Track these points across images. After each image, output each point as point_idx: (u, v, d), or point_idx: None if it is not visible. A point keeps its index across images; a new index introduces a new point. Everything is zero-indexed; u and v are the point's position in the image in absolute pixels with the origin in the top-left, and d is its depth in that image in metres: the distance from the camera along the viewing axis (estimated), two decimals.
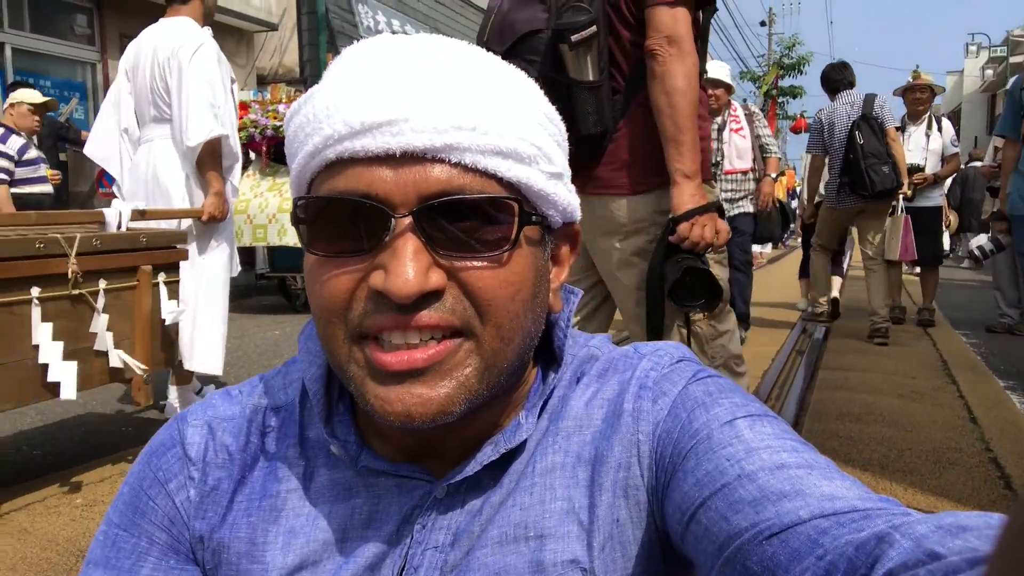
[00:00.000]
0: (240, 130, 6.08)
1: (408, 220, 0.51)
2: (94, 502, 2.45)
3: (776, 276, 10.68)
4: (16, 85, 6.51)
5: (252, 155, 6.47)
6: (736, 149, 5.23)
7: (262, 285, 7.76)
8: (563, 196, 0.58)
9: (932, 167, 5.61)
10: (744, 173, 5.25)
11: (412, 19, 13.37)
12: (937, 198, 5.76)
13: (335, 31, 11.36)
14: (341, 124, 0.51)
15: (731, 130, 5.23)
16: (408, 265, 0.50)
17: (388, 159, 0.50)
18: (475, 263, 0.52)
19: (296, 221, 0.55)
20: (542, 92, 0.59)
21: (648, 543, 0.57)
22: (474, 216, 0.52)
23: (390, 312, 0.51)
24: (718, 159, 5.16)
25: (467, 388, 0.53)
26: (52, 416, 3.60)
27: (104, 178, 7.05)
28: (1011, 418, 3.43)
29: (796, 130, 20.87)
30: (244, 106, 6.41)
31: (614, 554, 0.57)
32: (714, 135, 5.06)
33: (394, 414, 0.52)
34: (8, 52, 8.37)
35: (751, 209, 5.29)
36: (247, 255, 7.03)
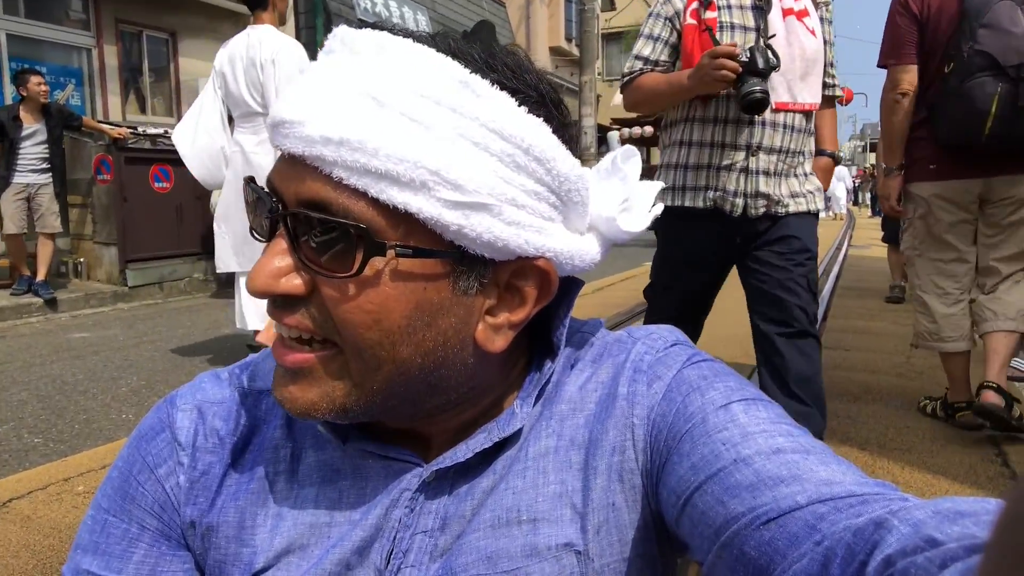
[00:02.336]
0: None
1: (282, 220, 0.52)
2: (95, 489, 2.46)
3: None
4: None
5: None
6: (802, 57, 2.13)
7: None
8: (481, 229, 0.51)
9: None
10: (807, 115, 2.20)
11: (408, 1, 13.26)
12: None
13: (332, 14, 11.27)
14: (269, 117, 0.53)
15: (787, 12, 2.14)
16: (267, 263, 0.51)
17: (286, 158, 0.52)
18: (325, 281, 0.51)
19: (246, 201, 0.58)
20: (521, 110, 0.51)
21: (643, 526, 0.57)
22: (327, 234, 0.50)
23: (270, 304, 0.54)
24: (766, 69, 2.00)
25: (331, 401, 0.54)
26: (51, 403, 3.62)
27: (101, 164, 7.04)
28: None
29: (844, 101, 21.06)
30: None
31: (610, 537, 0.57)
32: (736, 18, 2.14)
33: (275, 397, 0.56)
34: (3, 38, 8.32)
35: (820, 204, 2.28)
36: None
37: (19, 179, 6.23)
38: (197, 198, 7.25)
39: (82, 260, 7.30)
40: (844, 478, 0.47)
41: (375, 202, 0.49)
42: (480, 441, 0.58)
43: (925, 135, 2.77)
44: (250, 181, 0.56)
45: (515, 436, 0.60)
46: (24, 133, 6.24)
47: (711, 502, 0.49)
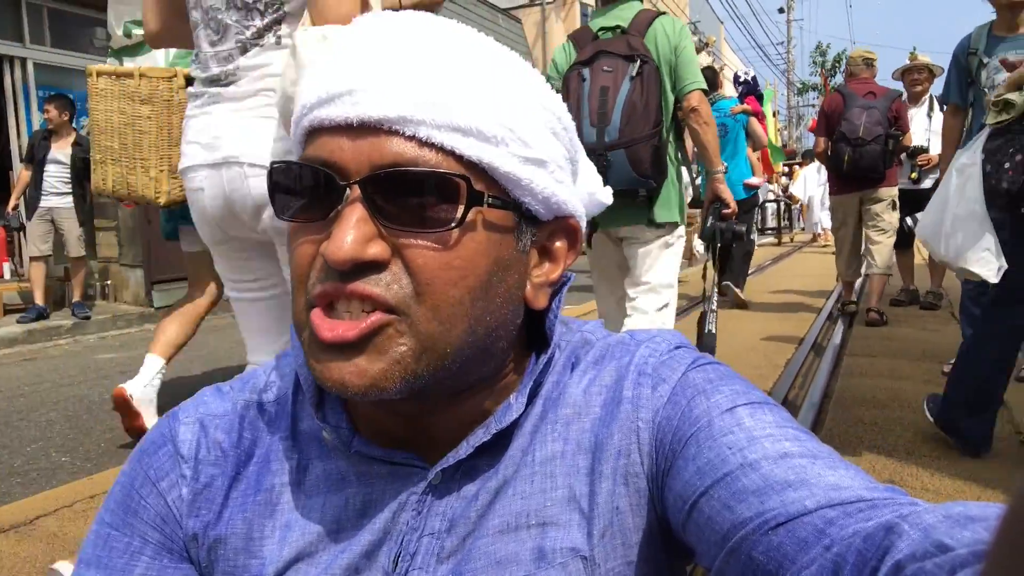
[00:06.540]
0: None
1: (357, 189, 0.51)
2: None
3: (807, 263, 10.58)
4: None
5: None
6: None
7: None
8: (543, 184, 0.55)
9: (935, 148, 5.50)
10: None
11: None
12: None
13: None
14: (312, 94, 0.53)
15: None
16: (348, 232, 0.50)
17: (348, 129, 0.52)
18: (418, 240, 0.51)
19: (268, 187, 0.57)
20: (548, 86, 0.58)
21: (648, 531, 0.57)
22: (423, 191, 0.51)
23: (332, 280, 0.52)
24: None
25: (403, 367, 0.52)
26: (79, 423, 3.66)
27: None
28: None
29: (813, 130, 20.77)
30: None
31: (614, 542, 0.56)
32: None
33: (330, 381, 0.52)
34: (30, 67, 8.51)
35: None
36: None
37: (44, 202, 6.42)
38: None
39: (109, 282, 7.43)
40: (853, 483, 0.47)
41: (460, 159, 0.52)
42: (479, 436, 0.58)
43: None
44: (292, 163, 0.55)
45: (518, 434, 0.60)
46: (49, 157, 6.40)
47: (718, 507, 0.49)
